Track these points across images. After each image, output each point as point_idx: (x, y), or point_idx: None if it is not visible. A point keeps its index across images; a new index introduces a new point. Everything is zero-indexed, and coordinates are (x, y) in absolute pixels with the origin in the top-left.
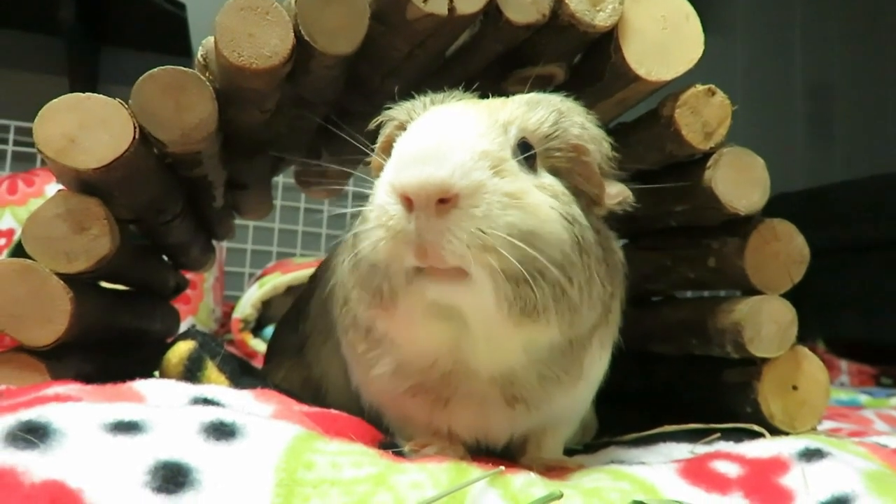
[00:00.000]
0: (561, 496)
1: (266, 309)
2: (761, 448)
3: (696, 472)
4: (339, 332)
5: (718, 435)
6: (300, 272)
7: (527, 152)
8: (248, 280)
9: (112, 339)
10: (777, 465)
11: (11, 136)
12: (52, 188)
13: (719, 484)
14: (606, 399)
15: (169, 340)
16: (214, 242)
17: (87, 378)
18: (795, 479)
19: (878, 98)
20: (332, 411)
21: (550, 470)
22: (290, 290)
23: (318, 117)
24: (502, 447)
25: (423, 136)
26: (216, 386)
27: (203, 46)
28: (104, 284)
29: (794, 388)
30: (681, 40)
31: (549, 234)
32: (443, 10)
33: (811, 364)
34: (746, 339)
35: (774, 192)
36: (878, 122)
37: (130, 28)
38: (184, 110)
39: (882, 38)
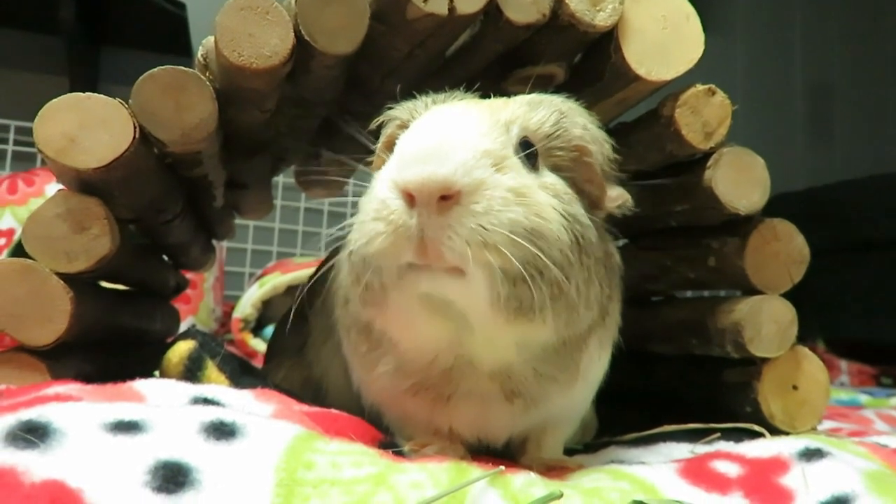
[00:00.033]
0: (561, 496)
1: (266, 309)
2: (761, 448)
3: (696, 472)
4: (341, 331)
5: (718, 435)
6: (300, 272)
7: (528, 152)
8: (249, 280)
9: (112, 338)
10: (777, 465)
11: (12, 136)
12: (53, 188)
13: (719, 484)
14: (606, 399)
15: (169, 340)
16: (214, 242)
17: (88, 378)
18: (795, 478)
19: (878, 98)
20: (333, 411)
21: (550, 470)
22: (290, 289)
23: (319, 117)
24: (502, 447)
25: (426, 134)
26: (216, 386)
27: (203, 46)
28: (104, 284)
29: (795, 387)
30: (681, 40)
31: (551, 233)
32: (443, 9)
33: (811, 364)
34: (746, 338)
35: (774, 192)
36: (878, 122)
37: (130, 28)
38: (184, 110)
39: (882, 38)
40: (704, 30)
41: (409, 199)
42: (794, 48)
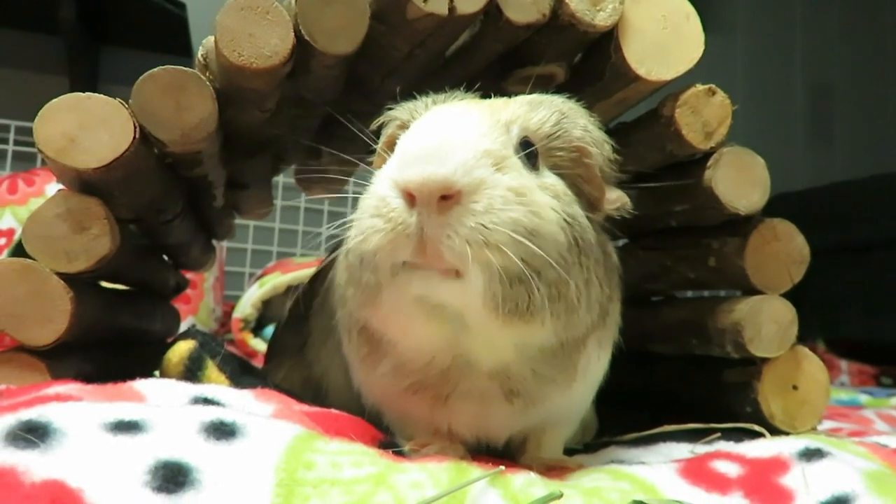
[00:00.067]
0: (561, 496)
1: (266, 308)
2: (761, 448)
3: (696, 472)
4: (342, 332)
5: (718, 435)
6: (300, 272)
7: (529, 152)
8: (249, 280)
9: (112, 338)
10: (777, 465)
11: (12, 136)
12: (53, 188)
13: (719, 484)
14: (606, 399)
15: (169, 340)
16: (214, 242)
17: (88, 378)
18: (795, 478)
19: (879, 98)
20: (333, 411)
21: (550, 469)
22: (290, 289)
23: (319, 117)
24: (502, 446)
25: (426, 134)
26: (216, 385)
27: (203, 46)
28: (104, 284)
29: (795, 387)
30: (681, 40)
31: (549, 234)
32: (443, 9)
33: (811, 364)
34: (746, 338)
35: (774, 192)
36: (879, 122)
37: (131, 28)
38: (184, 110)
39: (882, 38)
40: (704, 29)
41: (410, 198)
42: (795, 48)
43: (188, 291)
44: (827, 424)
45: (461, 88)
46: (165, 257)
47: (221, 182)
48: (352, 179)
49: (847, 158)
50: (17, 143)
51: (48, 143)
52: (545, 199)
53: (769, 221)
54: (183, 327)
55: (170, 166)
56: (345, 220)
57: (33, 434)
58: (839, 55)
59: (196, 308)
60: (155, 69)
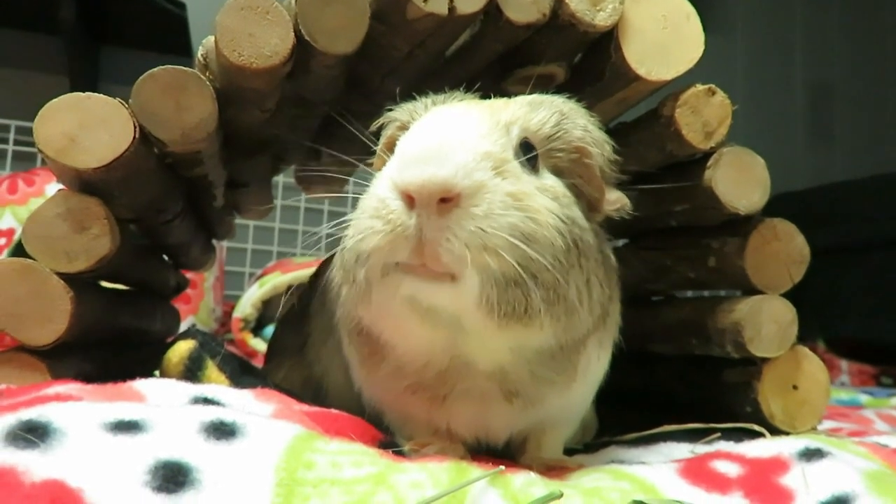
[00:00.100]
0: (561, 496)
1: (266, 308)
2: (761, 448)
3: (697, 472)
4: (342, 332)
5: (718, 435)
6: (300, 272)
7: (529, 153)
8: (249, 279)
9: (112, 338)
10: (777, 465)
11: (12, 136)
12: (53, 188)
13: (719, 484)
14: (606, 399)
15: (169, 340)
16: (215, 242)
17: (88, 377)
18: (795, 478)
19: (879, 98)
20: (333, 411)
21: (550, 469)
22: (290, 289)
23: (319, 117)
24: (502, 446)
25: (426, 136)
26: (216, 385)
27: (203, 46)
28: (104, 284)
29: (795, 387)
30: (681, 40)
31: (547, 238)
32: (443, 9)
33: (811, 364)
34: (746, 338)
35: (775, 192)
36: (879, 122)
37: (131, 28)
38: (184, 110)
39: (882, 38)
40: (704, 29)
41: (409, 200)
42: (795, 48)
43: (188, 291)
44: (827, 424)
45: (461, 89)
46: (165, 257)
47: (221, 182)
48: (352, 179)
49: (847, 158)
50: (17, 142)
51: (48, 143)
52: (544, 201)
53: (769, 221)
54: (183, 327)
55: (170, 166)
56: (344, 219)
57: (33, 434)
58: (839, 55)
59: (196, 308)
60: (155, 69)
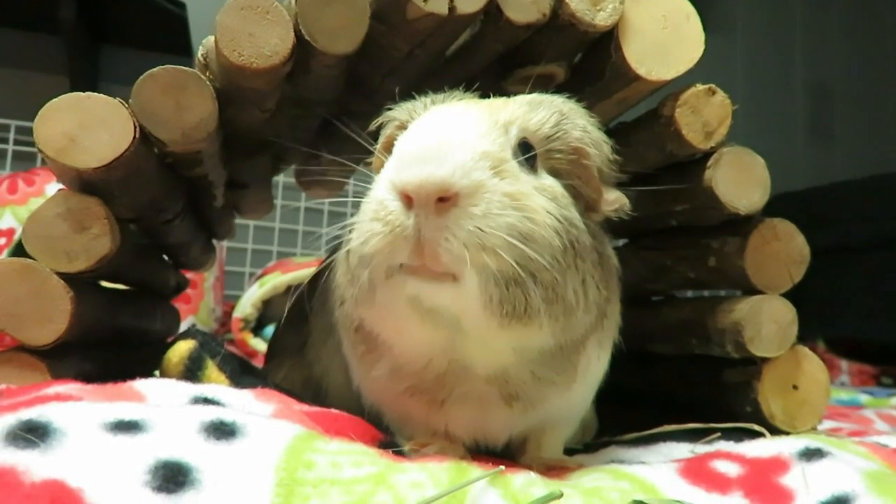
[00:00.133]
0: (561, 496)
1: (266, 308)
2: (761, 448)
3: (697, 472)
4: (341, 332)
5: (718, 435)
6: (300, 272)
7: (527, 152)
8: (249, 279)
9: (112, 338)
10: (777, 465)
11: (12, 136)
12: (53, 187)
13: (719, 483)
14: (606, 399)
15: (169, 340)
16: (215, 242)
17: (88, 377)
18: (796, 478)
19: (879, 98)
20: (333, 411)
21: (550, 469)
22: (290, 289)
23: (319, 117)
24: (502, 447)
25: (424, 135)
26: (216, 385)
27: (203, 46)
28: (105, 284)
29: (795, 387)
30: (681, 40)
31: (545, 238)
32: (443, 9)
33: (811, 364)
34: (746, 338)
35: (775, 192)
36: (878, 122)
37: (131, 27)
38: (184, 110)
39: (882, 38)
40: (704, 29)
41: (407, 200)
42: (795, 48)
43: (188, 291)
44: (827, 424)
45: (461, 88)
46: (165, 257)
47: (221, 182)
48: (352, 181)
49: (847, 158)
50: (17, 142)
51: (48, 143)
52: (542, 201)
53: (769, 221)
54: (183, 327)
55: (170, 166)
56: (346, 222)
57: (33, 434)
58: (839, 55)
59: (196, 308)
60: (155, 69)
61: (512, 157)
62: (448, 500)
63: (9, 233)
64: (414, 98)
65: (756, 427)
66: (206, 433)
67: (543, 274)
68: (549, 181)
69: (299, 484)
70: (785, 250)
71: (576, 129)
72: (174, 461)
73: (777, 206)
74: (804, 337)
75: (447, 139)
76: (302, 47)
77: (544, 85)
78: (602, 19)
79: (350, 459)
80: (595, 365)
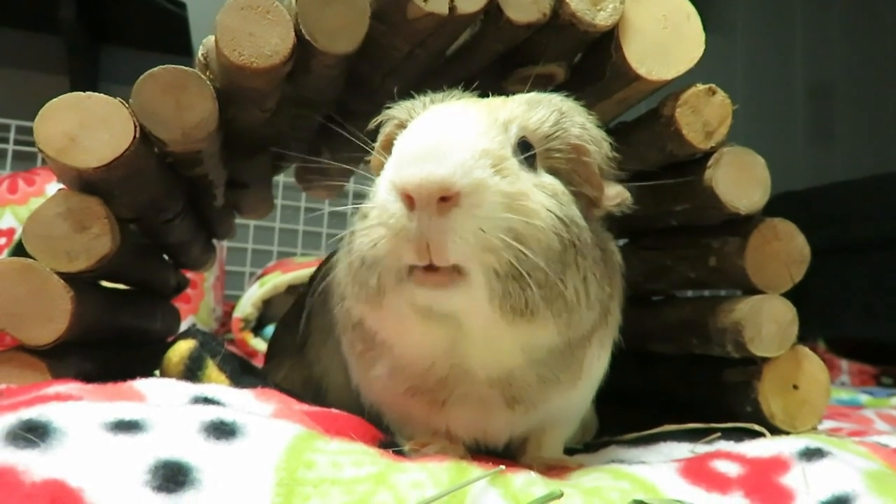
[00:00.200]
0: (561, 495)
1: (267, 308)
2: (762, 447)
3: (697, 472)
4: (340, 330)
5: (719, 434)
6: (301, 271)
7: (527, 151)
8: (249, 279)
9: (113, 338)
10: (777, 465)
11: (12, 136)
12: (53, 187)
13: (720, 483)
14: (606, 399)
15: (169, 339)
16: (215, 241)
17: (88, 377)
18: (796, 478)
19: (879, 98)
20: (333, 410)
21: (551, 469)
22: (290, 289)
23: (319, 116)
24: (502, 447)
25: (424, 134)
26: (217, 385)
27: (204, 45)
28: (105, 283)
29: (795, 387)
30: (681, 39)
31: (545, 237)
32: (443, 9)
33: (812, 363)
34: (747, 338)
35: (775, 192)
36: (879, 122)
37: (131, 27)
38: (184, 109)
39: (882, 38)
40: (705, 29)
41: (409, 200)
42: (795, 48)
43: (188, 291)
44: (827, 424)
45: (461, 88)
46: (166, 257)
47: (222, 181)
48: (352, 181)
49: (847, 158)
50: (17, 142)
51: (49, 143)
52: (542, 200)
53: (770, 221)
54: (183, 327)
55: (170, 166)
56: (347, 220)
57: (33, 433)
58: (839, 55)
59: (196, 307)
60: (155, 68)
61: (512, 155)
62: (448, 499)
63: (9, 232)
64: (414, 97)
65: (756, 427)
66: (207, 433)
67: (543, 272)
68: (548, 179)
69: (300, 484)
70: (785, 250)
71: (575, 127)
72: (174, 461)
73: (777, 205)
74: (804, 337)
75: (447, 137)
76: (302, 47)
77: (544, 85)
78: (602, 19)
79: (350, 459)
80: (597, 363)
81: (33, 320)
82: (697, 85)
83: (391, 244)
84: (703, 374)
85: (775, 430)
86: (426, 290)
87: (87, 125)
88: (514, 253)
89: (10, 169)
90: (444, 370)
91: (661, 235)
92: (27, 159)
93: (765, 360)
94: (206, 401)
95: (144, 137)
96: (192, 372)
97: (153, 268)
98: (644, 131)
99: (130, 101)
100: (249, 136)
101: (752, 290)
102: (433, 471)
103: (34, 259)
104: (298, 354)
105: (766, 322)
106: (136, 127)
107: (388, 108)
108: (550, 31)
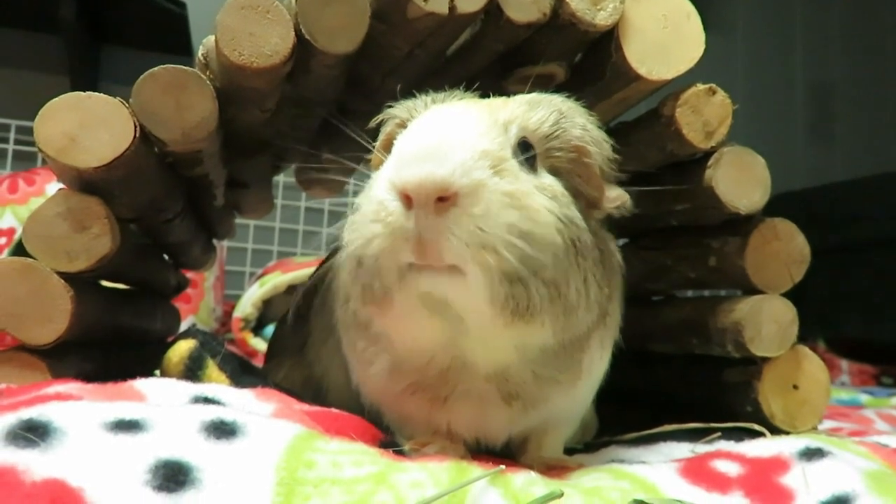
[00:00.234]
0: (561, 495)
1: (267, 308)
2: (762, 447)
3: (697, 472)
4: (340, 329)
5: (719, 434)
6: (301, 271)
7: (527, 152)
8: (249, 279)
9: (113, 338)
10: (777, 465)
11: (12, 135)
12: (53, 187)
13: (720, 483)
14: (606, 399)
15: (170, 339)
16: (215, 241)
17: (88, 377)
18: (796, 478)
19: (879, 97)
20: (333, 410)
21: (551, 469)
22: (290, 289)
23: (319, 117)
24: (502, 446)
25: (424, 134)
26: (217, 385)
27: (204, 45)
28: (105, 283)
29: (795, 387)
30: (682, 39)
31: (546, 237)
32: (443, 8)
33: (812, 363)
34: (747, 338)
35: (775, 192)
36: (879, 121)
37: (131, 27)
38: (184, 109)
39: (882, 38)
40: (705, 29)
41: (407, 200)
42: (795, 47)
43: (189, 291)
44: (827, 424)
45: (461, 88)
46: (166, 256)
47: (222, 181)
48: (352, 181)
49: (847, 158)
50: (17, 142)
51: (49, 143)
52: (543, 200)
53: (770, 221)
54: (183, 326)
55: (170, 165)
56: (346, 220)
57: (33, 433)
58: (840, 54)
59: (196, 307)
60: (155, 68)
61: (511, 156)
62: (448, 499)
63: (9, 232)
64: (414, 97)
65: (756, 427)
66: (207, 432)
67: (545, 273)
68: (548, 180)
69: (300, 483)
70: (785, 250)
71: (575, 128)
72: (174, 460)
73: (777, 205)
74: (804, 337)
75: (447, 138)
76: (302, 47)
77: (544, 85)
78: (602, 19)
79: (351, 459)
80: (597, 363)
81: (33, 320)
82: (697, 85)
83: (387, 242)
84: (703, 374)
85: (775, 430)
86: (428, 274)
87: (87, 125)
88: (518, 252)
89: (10, 169)
90: (444, 363)
91: (661, 235)
92: (27, 159)
93: (765, 360)
94: (207, 400)
95: (144, 137)
96: (192, 372)
97: (153, 268)
98: (644, 131)
99: (130, 100)
100: (249, 136)
101: (752, 290)
102: (433, 470)
103: (34, 259)
104: (299, 354)
105: (767, 322)
106: (136, 127)
107: (390, 107)
108: (550, 31)
